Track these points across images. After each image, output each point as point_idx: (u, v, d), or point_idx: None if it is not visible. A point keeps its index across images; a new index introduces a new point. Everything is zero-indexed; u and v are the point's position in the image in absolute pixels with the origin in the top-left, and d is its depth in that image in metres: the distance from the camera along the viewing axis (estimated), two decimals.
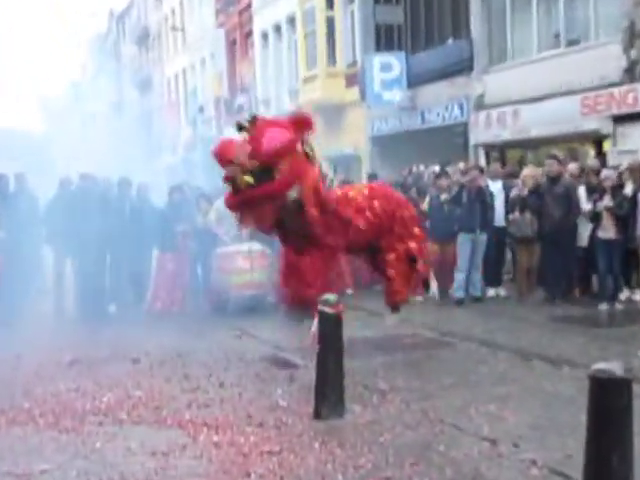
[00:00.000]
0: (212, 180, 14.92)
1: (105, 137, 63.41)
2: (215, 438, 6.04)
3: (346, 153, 24.86)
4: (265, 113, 30.56)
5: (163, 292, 12.87)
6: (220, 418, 6.57)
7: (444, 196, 13.00)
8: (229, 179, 8.21)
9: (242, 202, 8.20)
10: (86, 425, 6.50)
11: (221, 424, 6.38)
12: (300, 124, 8.46)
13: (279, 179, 8.08)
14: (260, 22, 30.74)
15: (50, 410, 6.94)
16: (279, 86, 29.66)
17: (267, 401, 7.11)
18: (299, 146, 8.35)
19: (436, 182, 13.60)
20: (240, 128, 8.32)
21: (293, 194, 8.20)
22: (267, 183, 8.02)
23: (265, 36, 30.57)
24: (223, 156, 8.25)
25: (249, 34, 32.26)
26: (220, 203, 13.05)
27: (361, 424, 6.38)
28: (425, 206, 13.38)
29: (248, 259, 12.44)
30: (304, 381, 7.63)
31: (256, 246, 12.61)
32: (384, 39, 22.62)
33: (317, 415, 6.52)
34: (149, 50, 48.86)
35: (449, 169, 14.42)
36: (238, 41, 33.49)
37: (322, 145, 25.59)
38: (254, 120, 8.39)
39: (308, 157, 8.41)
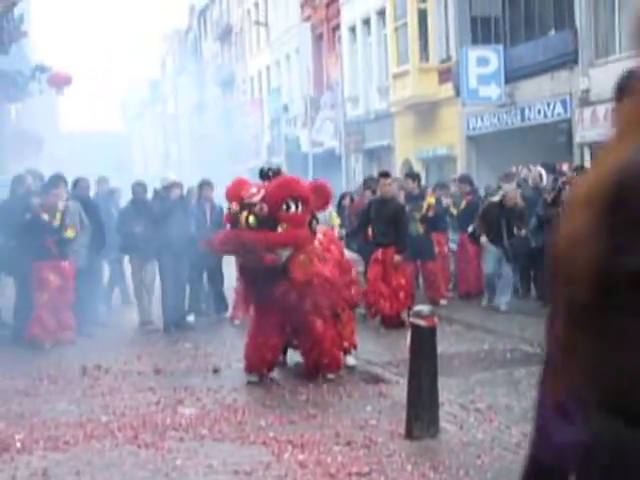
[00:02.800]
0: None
1: (185, 138, 64.50)
2: (300, 457, 6.03)
3: (439, 153, 24.74)
4: (353, 111, 30.70)
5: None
6: (306, 436, 6.56)
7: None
8: (231, 217, 8.39)
9: (235, 239, 8.25)
10: (166, 440, 6.58)
11: (307, 442, 6.38)
12: (320, 194, 8.69)
13: (282, 233, 8.21)
14: (348, 15, 30.83)
15: (129, 424, 7.05)
16: (368, 83, 29.68)
17: (356, 419, 7.08)
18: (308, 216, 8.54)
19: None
20: (263, 176, 8.56)
21: (286, 253, 8.27)
22: (268, 231, 8.14)
23: (353, 30, 30.63)
24: (234, 192, 8.44)
25: (336, 28, 32.37)
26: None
27: (456, 445, 6.30)
28: None
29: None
30: (395, 398, 7.59)
31: (352, 255, 12.60)
32: (480, 32, 22.45)
33: (409, 435, 6.47)
34: (231, 47, 49.47)
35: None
36: (325, 36, 33.65)
37: (414, 145, 25.75)
38: (279, 172, 8.68)
39: (311, 229, 8.57)
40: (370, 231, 12.29)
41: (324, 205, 8.96)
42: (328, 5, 32.90)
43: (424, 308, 6.67)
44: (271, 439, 6.51)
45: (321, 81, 33.96)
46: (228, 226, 8.65)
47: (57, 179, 11.60)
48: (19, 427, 7.04)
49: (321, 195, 8.73)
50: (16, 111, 30.91)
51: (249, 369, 8.78)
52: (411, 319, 6.54)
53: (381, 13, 27.69)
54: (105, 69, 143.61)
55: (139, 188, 13.00)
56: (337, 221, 13.11)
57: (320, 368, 8.73)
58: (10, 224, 11.09)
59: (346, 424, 6.93)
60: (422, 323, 6.44)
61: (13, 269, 11.45)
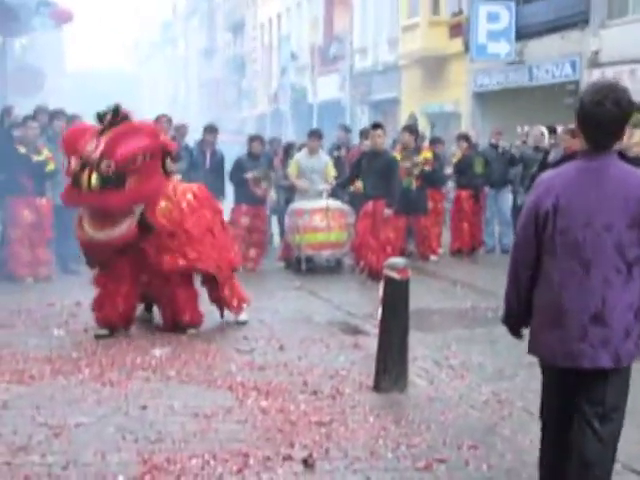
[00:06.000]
0: (300, 132, 14.86)
1: (194, 82, 64.08)
2: (263, 403, 6.00)
3: (446, 109, 24.52)
4: (361, 63, 30.41)
5: (237, 247, 12.89)
6: (273, 383, 6.53)
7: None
8: (71, 172, 7.73)
9: (84, 203, 7.75)
10: (132, 380, 6.56)
11: (273, 389, 6.35)
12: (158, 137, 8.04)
13: (130, 193, 7.61)
14: None
15: (98, 362, 7.03)
16: (377, 35, 29.36)
17: (327, 369, 7.04)
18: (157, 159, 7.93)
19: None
20: (100, 118, 7.80)
21: (139, 209, 7.78)
22: (114, 192, 7.51)
23: None
24: (71, 144, 7.78)
25: None
26: (300, 156, 13.05)
27: (423, 401, 6.26)
28: None
29: (325, 217, 12.34)
30: (370, 350, 7.51)
31: (334, 204, 12.53)
32: None
33: (376, 387, 6.43)
34: None
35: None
36: None
37: (421, 99, 25.50)
38: (117, 114, 7.78)
39: (165, 169, 8.04)
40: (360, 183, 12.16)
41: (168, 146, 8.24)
42: None
43: (398, 260, 6.59)
44: (237, 384, 6.47)
45: (330, 31, 33.58)
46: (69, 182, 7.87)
47: (38, 112, 11.50)
48: None
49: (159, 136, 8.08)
50: (21, 46, 30.64)
51: (100, 322, 8.10)
52: (384, 271, 6.46)
53: None
54: (116, 8, 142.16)
55: None
56: (333, 172, 12.99)
57: (180, 324, 8.22)
58: None
59: (316, 373, 6.89)
60: (395, 275, 6.36)
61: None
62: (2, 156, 10.95)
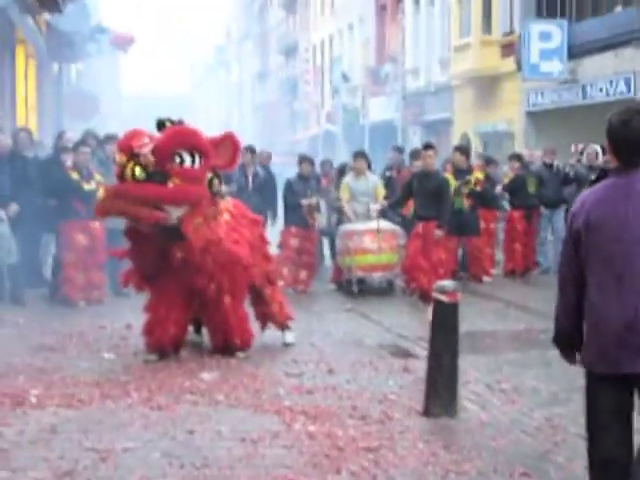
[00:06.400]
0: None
1: (247, 105, 64.57)
2: (311, 428, 5.94)
3: (499, 129, 24.33)
4: (413, 83, 30.36)
5: (286, 269, 12.88)
6: (321, 407, 6.46)
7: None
8: (118, 170, 7.70)
9: (121, 193, 7.60)
10: (180, 404, 6.53)
11: (320, 414, 6.28)
12: (225, 149, 7.96)
13: (172, 189, 7.54)
14: None
15: (146, 385, 7.02)
16: (429, 55, 29.31)
17: (376, 393, 6.95)
18: (207, 172, 7.85)
19: None
20: (159, 126, 7.80)
21: (177, 214, 7.62)
22: (157, 185, 7.48)
23: (417, 1, 30.22)
24: (125, 142, 7.71)
25: None
26: (349, 179, 13.01)
27: (474, 426, 6.15)
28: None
29: (376, 238, 12.27)
30: (420, 374, 7.42)
31: (385, 225, 12.45)
32: (546, 5, 21.93)
33: (426, 412, 6.33)
34: (296, 15, 49.25)
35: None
36: (388, 6, 33.25)
37: (473, 119, 25.35)
38: (177, 123, 7.88)
39: (212, 189, 7.91)
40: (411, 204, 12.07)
41: (230, 163, 8.11)
42: None
43: (447, 283, 6.50)
44: (285, 408, 6.42)
45: (382, 52, 33.60)
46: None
47: (87, 137, 11.60)
48: (38, 382, 7.07)
49: (226, 150, 7.95)
50: (76, 72, 31.15)
51: (150, 347, 8.04)
52: (433, 294, 6.37)
53: None
54: (170, 32, 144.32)
55: None
56: (383, 192, 12.92)
57: (231, 347, 8.14)
58: (47, 181, 11.15)
59: (365, 397, 6.81)
60: (444, 298, 6.27)
61: (52, 228, 11.49)
62: (55, 182, 11.07)
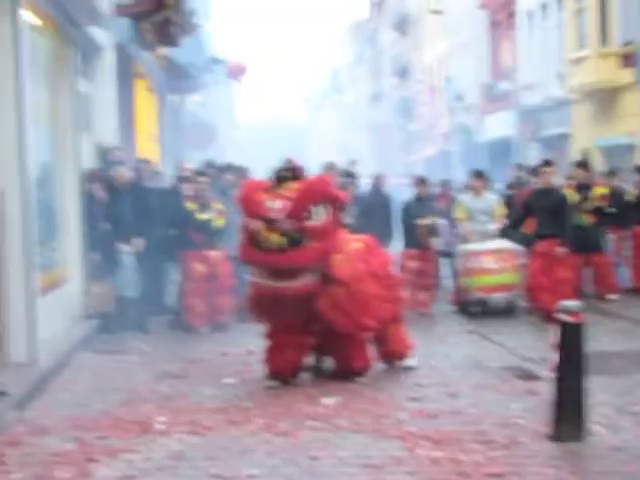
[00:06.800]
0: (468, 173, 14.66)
1: (362, 127, 64.86)
2: (435, 453, 5.85)
3: (619, 142, 23.68)
4: (530, 99, 29.90)
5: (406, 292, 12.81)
6: (445, 432, 6.37)
7: None
8: (249, 234, 7.86)
9: (266, 263, 7.79)
10: (303, 430, 6.55)
11: (444, 438, 6.19)
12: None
13: (313, 254, 7.72)
14: (526, 0, 30.01)
15: (270, 412, 7.06)
16: (545, 70, 28.79)
17: (501, 416, 6.82)
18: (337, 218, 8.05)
19: None
20: (279, 180, 8.00)
21: (319, 271, 7.83)
22: (297, 251, 7.66)
23: (531, 15, 29.82)
24: (251, 206, 7.88)
25: (513, 14, 31.57)
26: (466, 198, 12.87)
27: (604, 451, 5.94)
28: None
29: (497, 259, 12.09)
30: (546, 396, 7.25)
31: (506, 245, 12.25)
32: None
33: (553, 436, 6.17)
34: (408, 35, 49.27)
35: None
36: (501, 22, 32.90)
37: (592, 133, 24.77)
38: (295, 172, 8.08)
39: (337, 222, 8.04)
40: (532, 222, 11.84)
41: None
42: None
43: (571, 303, 6.32)
44: (408, 433, 6.35)
45: (496, 69, 33.23)
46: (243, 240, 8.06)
47: (207, 166, 11.82)
48: (164, 409, 7.21)
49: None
50: (194, 103, 31.88)
51: (270, 374, 8.17)
52: (557, 315, 6.22)
53: None
54: (284, 60, 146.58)
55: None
56: (502, 211, 12.74)
57: (350, 371, 8.19)
58: (165, 211, 11.41)
59: (490, 421, 6.69)
60: (569, 319, 6.12)
61: (173, 256, 11.74)
62: (172, 211, 11.31)
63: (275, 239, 7.67)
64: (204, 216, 11.18)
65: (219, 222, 11.25)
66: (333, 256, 7.90)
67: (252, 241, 7.86)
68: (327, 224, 7.88)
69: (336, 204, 8.02)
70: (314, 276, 7.83)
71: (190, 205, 11.26)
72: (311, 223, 7.76)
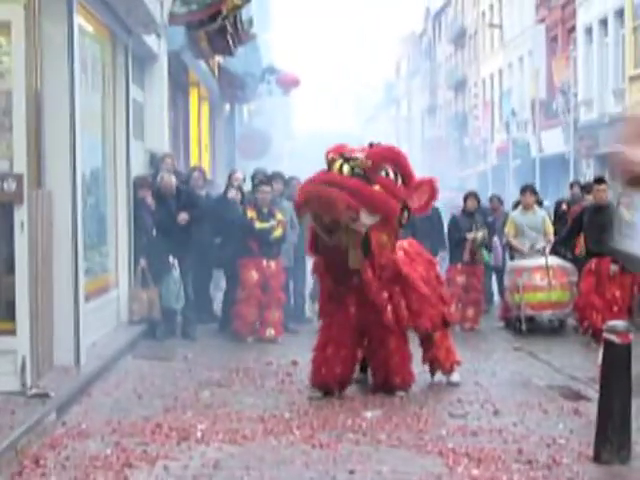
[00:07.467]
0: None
1: (417, 141, 64.68)
2: (475, 472, 5.76)
3: None
4: (586, 115, 29.55)
5: (453, 307, 12.70)
6: (486, 450, 6.27)
7: None
8: (327, 166, 7.81)
9: (323, 181, 7.64)
10: (342, 442, 6.49)
11: (485, 457, 6.09)
12: (422, 192, 8.09)
13: (375, 190, 7.62)
14: (585, 16, 29.72)
15: (309, 423, 7.02)
16: (602, 86, 28.47)
17: (544, 436, 6.70)
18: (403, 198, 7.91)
19: None
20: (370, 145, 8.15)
21: (368, 221, 7.63)
22: (363, 182, 7.58)
23: (589, 31, 29.52)
24: (335, 148, 7.94)
25: (571, 30, 31.30)
26: (516, 214, 12.73)
27: None
28: None
29: (546, 275, 11.93)
30: (591, 417, 7.09)
31: (556, 261, 12.09)
32: None
33: (597, 458, 6.04)
34: (464, 49, 49.10)
35: None
36: (559, 37, 32.62)
37: None
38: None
39: (400, 220, 7.91)
40: (583, 240, 11.67)
41: (424, 207, 8.20)
42: (564, 6, 31.85)
43: (619, 323, 6.21)
44: (448, 450, 6.27)
45: (553, 84, 32.91)
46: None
47: (272, 177, 11.85)
48: (204, 417, 7.18)
49: (422, 194, 8.05)
50: (249, 111, 32.03)
51: (316, 385, 8.12)
52: (604, 335, 6.10)
53: (619, 12, 26.48)
54: (340, 71, 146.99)
55: None
56: (551, 229, 12.57)
57: (390, 386, 8.10)
58: (219, 220, 11.43)
59: (532, 441, 6.58)
60: (615, 339, 5.99)
61: (223, 264, 11.76)
62: (225, 219, 11.33)
63: (344, 169, 7.63)
64: (264, 225, 11.16)
65: (278, 232, 11.20)
66: (381, 232, 7.76)
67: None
68: (394, 186, 7.79)
69: (408, 183, 7.91)
70: (372, 219, 7.66)
71: (250, 213, 11.25)
72: (381, 176, 7.76)
